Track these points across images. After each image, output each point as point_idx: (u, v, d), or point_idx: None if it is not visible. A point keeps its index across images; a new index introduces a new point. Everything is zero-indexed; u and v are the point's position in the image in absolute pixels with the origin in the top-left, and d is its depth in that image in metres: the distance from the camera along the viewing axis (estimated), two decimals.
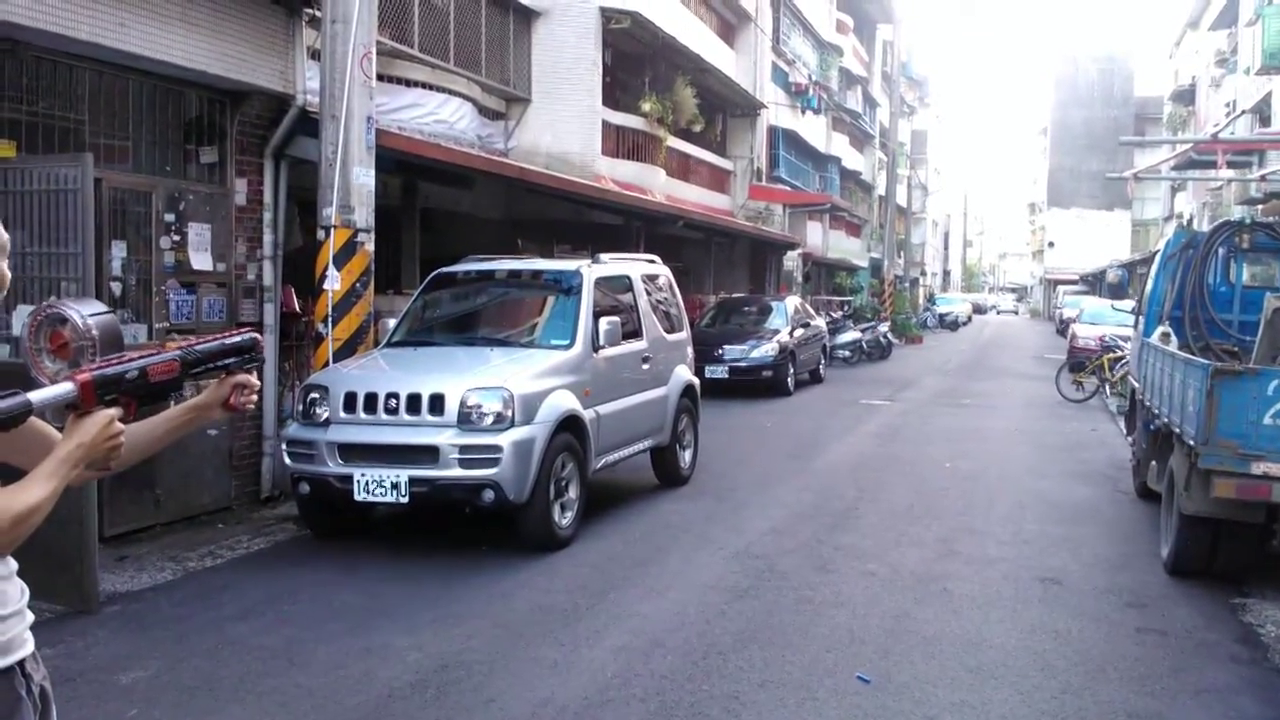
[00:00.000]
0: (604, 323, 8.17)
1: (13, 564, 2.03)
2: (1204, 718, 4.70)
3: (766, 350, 17.78)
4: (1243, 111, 26.53)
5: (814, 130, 33.53)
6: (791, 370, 18.31)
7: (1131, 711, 4.73)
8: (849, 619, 5.99)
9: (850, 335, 25.57)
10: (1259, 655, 5.55)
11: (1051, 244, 72.15)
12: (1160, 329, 8.60)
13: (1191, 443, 6.15)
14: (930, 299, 57.83)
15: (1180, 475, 6.60)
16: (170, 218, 7.96)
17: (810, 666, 5.23)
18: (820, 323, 22.20)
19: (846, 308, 31.50)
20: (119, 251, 7.62)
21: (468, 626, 5.74)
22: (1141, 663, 5.41)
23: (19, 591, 2.04)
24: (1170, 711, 4.75)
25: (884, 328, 28.79)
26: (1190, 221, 31.95)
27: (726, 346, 17.57)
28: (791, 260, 30.19)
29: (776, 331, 18.51)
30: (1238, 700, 4.92)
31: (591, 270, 8.57)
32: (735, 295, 22.77)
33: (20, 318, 6.34)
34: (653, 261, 10.29)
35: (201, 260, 8.26)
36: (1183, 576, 6.82)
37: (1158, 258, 9.94)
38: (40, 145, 7.17)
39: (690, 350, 10.46)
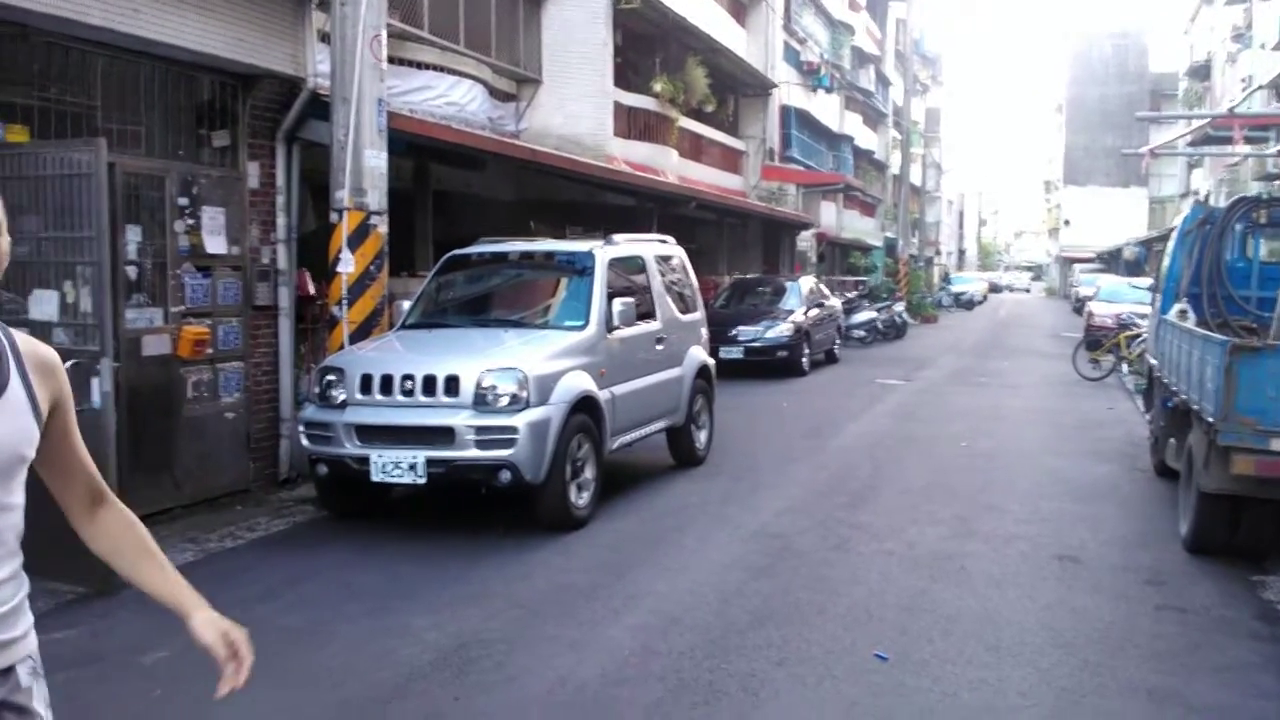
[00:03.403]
0: (618, 303, 8.16)
1: None
2: (1224, 695, 4.68)
3: (781, 330, 17.74)
4: (1259, 86, 26.26)
5: (827, 109, 33.35)
6: (806, 350, 18.27)
7: (1151, 688, 4.72)
8: (866, 597, 5.98)
9: (865, 315, 25.49)
10: (1279, 632, 5.53)
11: (1067, 222, 71.73)
12: (1177, 306, 8.54)
13: (1210, 420, 6.11)
14: (945, 278, 57.60)
15: (1199, 452, 6.56)
16: (184, 202, 7.97)
17: (828, 645, 5.23)
18: (835, 302, 22.13)
19: (861, 287, 31.36)
20: (134, 236, 7.63)
21: (486, 606, 5.77)
22: (1161, 640, 5.39)
23: None
24: (1190, 688, 4.73)
25: (899, 307, 28.69)
26: (1207, 198, 31.69)
27: (741, 327, 17.54)
28: (805, 240, 30.09)
29: (791, 312, 18.47)
30: (1258, 677, 4.90)
31: (605, 251, 8.56)
32: (749, 276, 22.70)
33: (38, 302, 6.36)
34: (665, 242, 10.26)
35: (216, 244, 8.26)
36: (1202, 554, 6.79)
37: (1175, 234, 9.87)
38: (53, 131, 7.18)
39: (705, 331, 10.44)
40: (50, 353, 2.00)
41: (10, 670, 1.93)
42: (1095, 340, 19.14)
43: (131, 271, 7.63)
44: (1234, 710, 4.50)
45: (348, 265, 8.37)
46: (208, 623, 2.09)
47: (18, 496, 1.92)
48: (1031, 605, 5.88)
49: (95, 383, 6.06)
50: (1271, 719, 4.38)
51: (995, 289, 70.84)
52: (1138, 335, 16.38)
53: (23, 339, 1.97)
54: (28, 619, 1.99)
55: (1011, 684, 4.74)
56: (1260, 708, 4.51)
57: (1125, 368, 17.32)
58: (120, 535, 2.12)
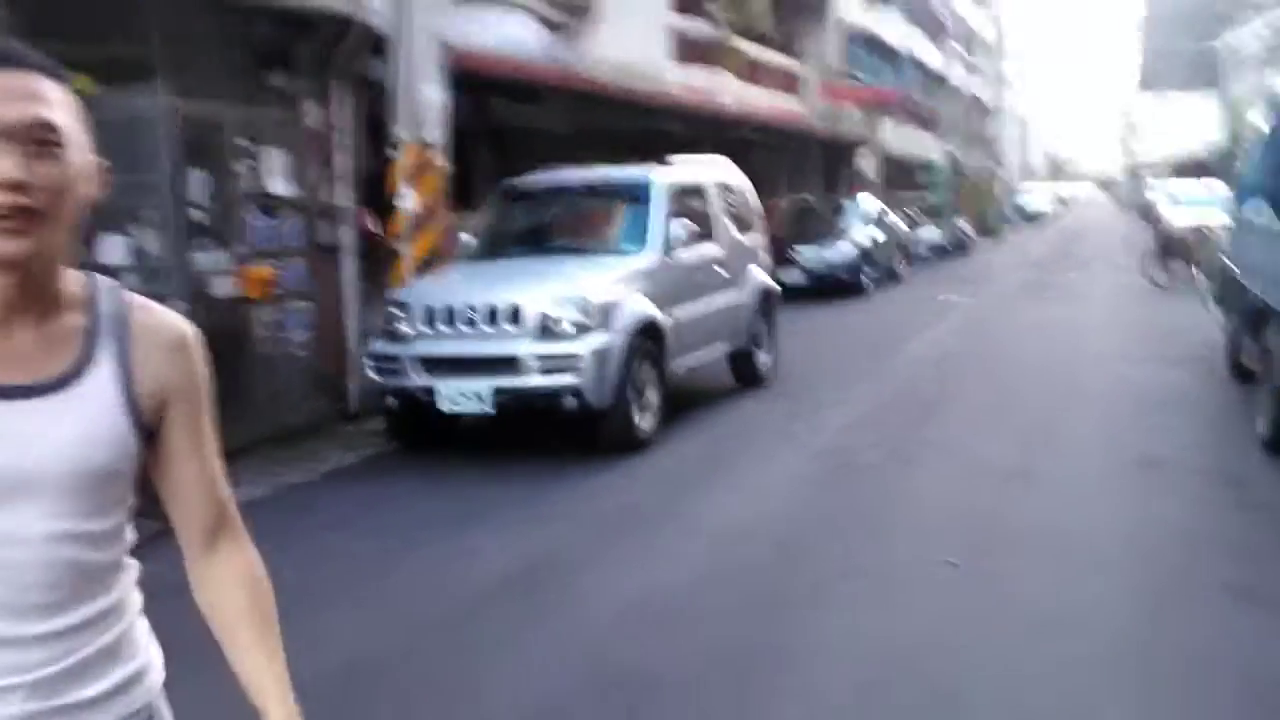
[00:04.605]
0: (676, 226, 8.13)
1: None
2: None
3: (842, 252, 17.56)
4: None
5: (888, 25, 32.54)
6: (869, 270, 18.07)
7: (1233, 587, 4.61)
8: (933, 510, 5.97)
9: (928, 232, 25.11)
10: None
11: (1138, 130, 69.51)
12: (1257, 204, 8.28)
13: None
14: (1010, 192, 56.34)
15: (1277, 351, 6.40)
16: (244, 144, 8.05)
17: (895, 556, 5.24)
18: (897, 221, 21.80)
19: (924, 204, 30.83)
20: (197, 179, 7.74)
21: (554, 528, 5.86)
22: (1242, 539, 5.30)
23: None
24: (1274, 586, 4.65)
25: (962, 223, 28.18)
26: None
27: (802, 250, 17.36)
28: (866, 160, 29.59)
29: (852, 232, 18.24)
30: None
31: (662, 174, 8.50)
32: (809, 198, 22.42)
33: (106, 248, 6.51)
34: (722, 165, 10.15)
35: (277, 184, 8.35)
36: None
37: (1259, 135, 9.53)
38: (116, 80, 7.26)
39: (764, 253, 10.36)
40: (177, 326, 1.43)
41: None
42: (1167, 248, 18.67)
43: (196, 215, 7.76)
44: None
45: (407, 200, 8.42)
46: None
47: (103, 522, 1.36)
48: (1106, 513, 5.82)
49: None
50: None
51: (1063, 202, 69.16)
52: (1211, 241, 15.92)
53: (142, 306, 1.41)
54: (126, 670, 1.42)
55: (1086, 591, 4.69)
56: None
57: (1197, 273, 16.86)
58: (230, 585, 1.54)
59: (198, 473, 1.50)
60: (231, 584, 1.55)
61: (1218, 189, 20.08)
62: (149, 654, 1.48)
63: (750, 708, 3.71)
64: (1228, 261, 9.58)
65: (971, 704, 3.66)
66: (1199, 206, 20.19)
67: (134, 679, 1.42)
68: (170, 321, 1.42)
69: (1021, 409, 8.50)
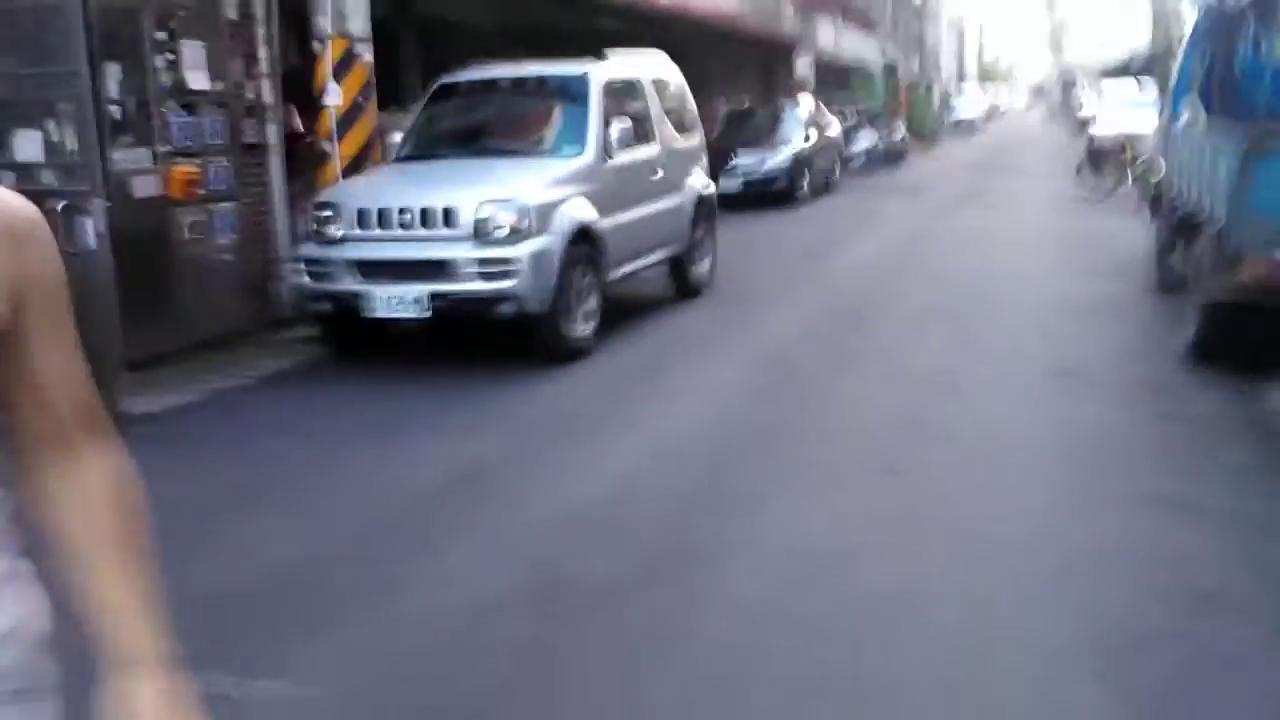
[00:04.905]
0: (615, 127, 7.96)
1: None
2: (1227, 495, 4.71)
3: (780, 160, 17.44)
4: None
5: None
6: (806, 179, 18.00)
7: (1154, 492, 4.75)
8: (867, 416, 6.04)
9: (865, 141, 25.02)
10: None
11: (1068, 36, 69.74)
12: (1188, 108, 8.33)
13: (1222, 221, 6.01)
14: (945, 101, 56.34)
15: (1207, 259, 6.49)
16: (162, 36, 7.67)
17: (829, 462, 5.30)
18: (835, 128, 21.67)
19: (861, 112, 30.68)
20: (114, 73, 7.38)
21: (493, 432, 5.82)
22: (1164, 446, 5.45)
23: None
24: (1194, 491, 4.77)
25: (899, 132, 28.14)
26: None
27: (739, 157, 17.19)
28: (804, 64, 29.27)
29: (789, 139, 18.11)
30: (1261, 480, 4.93)
31: (599, 71, 8.30)
32: (746, 103, 22.17)
33: (21, 143, 6.21)
34: (661, 61, 9.93)
35: (198, 79, 7.99)
36: (1204, 364, 6.78)
37: (1188, 36, 9.55)
38: None
39: (705, 157, 10.23)
40: (22, 211, 1.24)
41: None
42: (1097, 159, 18.83)
43: (115, 111, 7.42)
44: (1236, 512, 4.54)
45: (335, 97, 8.14)
46: (150, 697, 1.24)
47: None
48: (1032, 418, 5.93)
49: (88, 224, 5.95)
50: (1269, 519, 4.44)
51: (996, 111, 69.38)
52: (1141, 152, 16.08)
53: None
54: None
55: (1013, 493, 4.80)
56: (1263, 507, 4.57)
57: (1128, 184, 17.07)
58: (92, 501, 1.30)
59: (60, 368, 1.27)
60: (95, 499, 1.30)
61: (1149, 91, 20.25)
62: (25, 606, 1.25)
63: (685, 609, 3.74)
64: (1159, 171, 9.68)
65: (896, 598, 3.73)
66: (1130, 111, 20.32)
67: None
68: (16, 207, 1.22)
69: (953, 318, 8.58)
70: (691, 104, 10.11)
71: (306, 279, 7.27)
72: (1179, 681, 3.20)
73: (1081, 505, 4.65)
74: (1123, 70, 44.99)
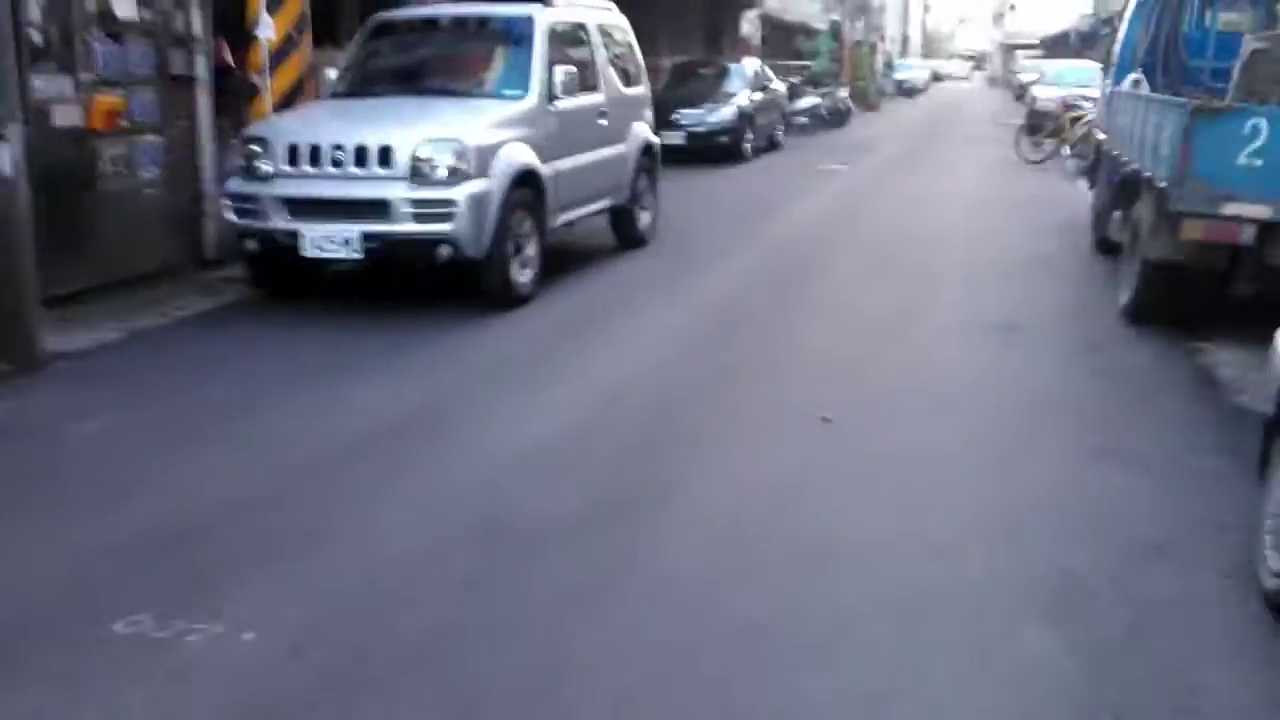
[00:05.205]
0: (559, 72, 7.77)
1: None
2: (1160, 450, 4.76)
3: (724, 115, 17.31)
4: None
5: None
6: (750, 135, 17.90)
7: (1091, 445, 4.78)
8: (807, 365, 6.02)
9: (809, 101, 24.95)
10: (1215, 394, 5.63)
11: (1013, 7, 70.19)
12: (1132, 75, 8.37)
13: (1163, 184, 6.03)
14: (889, 65, 56.46)
15: (1146, 221, 6.53)
16: None
17: (770, 409, 5.25)
18: (779, 87, 21.57)
19: (805, 72, 30.58)
20: None
21: (430, 379, 5.67)
22: (1100, 401, 5.49)
23: None
24: (1128, 443, 4.81)
25: (843, 93, 28.13)
26: None
27: (683, 111, 17.02)
28: (749, 22, 29.10)
29: (734, 96, 17.98)
30: (1195, 434, 4.99)
31: (545, 14, 8.08)
32: (691, 58, 21.96)
33: None
34: (608, 8, 9.73)
35: (125, 7, 7.64)
36: (1141, 323, 6.85)
37: (1131, 5, 9.58)
38: None
39: (649, 108, 10.07)
40: None
41: None
42: (1037, 124, 18.98)
43: (36, 36, 7.06)
44: (1171, 463, 4.59)
45: (267, 30, 7.84)
46: None
47: None
48: (971, 370, 5.94)
49: (4, 152, 5.67)
50: (1207, 470, 4.48)
51: (938, 77, 69.80)
52: (1081, 117, 16.22)
53: None
54: None
55: (950, 443, 4.78)
56: (1202, 461, 4.61)
57: (1067, 150, 17.22)
58: None
59: None
60: None
61: (1090, 65, 20.46)
62: None
63: (625, 550, 3.67)
64: (1098, 135, 9.74)
65: (840, 546, 3.69)
66: (1069, 85, 20.54)
67: None
68: None
69: (893, 275, 8.57)
70: (638, 54, 9.93)
71: (234, 216, 7.01)
72: (1132, 631, 3.19)
73: (1024, 456, 4.66)
74: (1062, 40, 45.48)
